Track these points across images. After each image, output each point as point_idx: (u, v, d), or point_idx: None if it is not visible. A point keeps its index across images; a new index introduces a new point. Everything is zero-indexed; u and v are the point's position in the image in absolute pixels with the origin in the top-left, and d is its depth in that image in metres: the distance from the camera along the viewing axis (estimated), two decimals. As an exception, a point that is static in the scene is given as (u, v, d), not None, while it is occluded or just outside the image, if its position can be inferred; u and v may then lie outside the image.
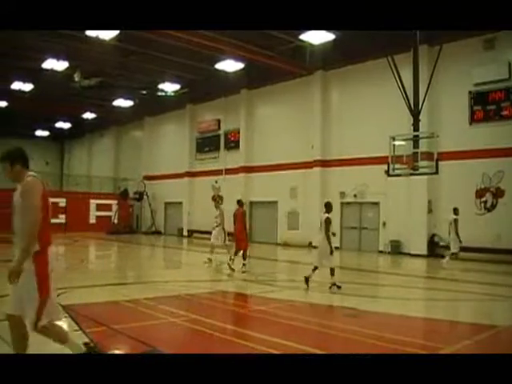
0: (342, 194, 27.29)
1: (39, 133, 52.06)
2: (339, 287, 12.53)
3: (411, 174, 18.29)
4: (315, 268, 12.89)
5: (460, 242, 17.44)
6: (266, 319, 9.31)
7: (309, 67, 28.01)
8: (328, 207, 13.14)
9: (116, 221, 40.68)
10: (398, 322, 9.59)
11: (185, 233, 38.00)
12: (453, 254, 17.84)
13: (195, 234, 36.80)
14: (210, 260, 18.21)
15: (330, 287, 12.58)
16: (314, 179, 28.50)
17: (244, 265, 16.36)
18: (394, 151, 17.46)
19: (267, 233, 31.70)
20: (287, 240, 29.95)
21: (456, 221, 17.59)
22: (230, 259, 16.44)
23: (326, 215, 12.92)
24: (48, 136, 53.59)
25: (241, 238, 16.73)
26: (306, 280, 12.76)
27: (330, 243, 12.70)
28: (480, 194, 21.98)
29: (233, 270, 15.99)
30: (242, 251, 16.67)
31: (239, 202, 18.12)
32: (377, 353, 6.63)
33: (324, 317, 10.09)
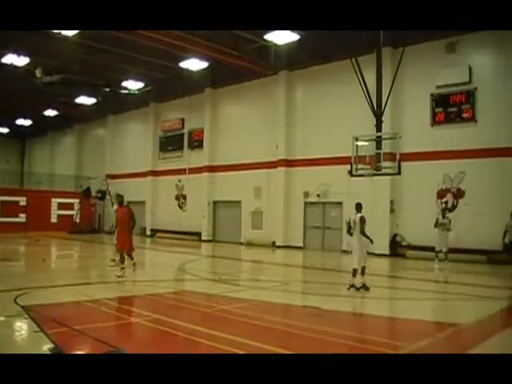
0: (306, 194, 27.42)
1: (-2, 129, 51.08)
2: (368, 289, 12.44)
3: (374, 175, 18.40)
4: (355, 271, 12.58)
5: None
6: (230, 319, 9.29)
7: (274, 67, 28.05)
8: (359, 207, 13.22)
9: (78, 220, 40.14)
10: (360, 321, 9.68)
11: (148, 232, 37.71)
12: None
13: (158, 234, 36.57)
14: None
15: (359, 289, 12.43)
16: (278, 179, 28.58)
17: (122, 268, 14.45)
18: (357, 152, 17.56)
19: (231, 232, 31.67)
20: (251, 239, 29.97)
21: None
22: (112, 260, 15.49)
23: (360, 214, 12.96)
24: (8, 133, 52.51)
25: (120, 238, 15.02)
26: (354, 287, 12.50)
27: (368, 238, 12.86)
28: (441, 194, 22.35)
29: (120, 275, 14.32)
30: (124, 252, 14.90)
31: (120, 201, 15.97)
32: (341, 351, 6.68)
33: (288, 316, 10.13)
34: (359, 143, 17.74)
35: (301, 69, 28.02)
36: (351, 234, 13.05)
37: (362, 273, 12.57)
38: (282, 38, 22.87)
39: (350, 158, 17.86)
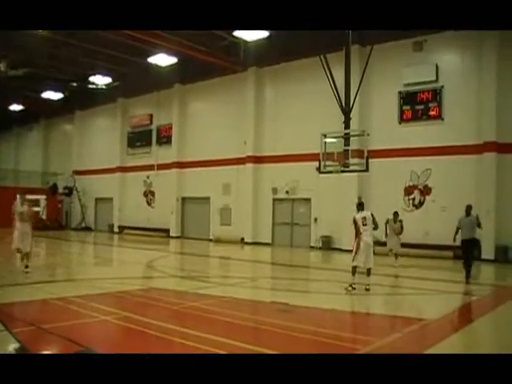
0: (274, 191, 27.50)
1: (-40, 124, 49.96)
2: (368, 289, 12.16)
3: (342, 171, 18.53)
4: (356, 268, 12.34)
5: None
6: (199, 315, 9.28)
7: (243, 64, 28.05)
8: (362, 206, 13.16)
9: (44, 216, 39.62)
10: (329, 317, 9.75)
11: (115, 229, 37.43)
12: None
13: (126, 230, 36.31)
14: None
15: (367, 289, 12.21)
16: (246, 175, 28.60)
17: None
18: (325, 148, 17.65)
19: (199, 229, 31.61)
20: (219, 236, 29.95)
21: None
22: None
23: (368, 212, 12.94)
24: (-29, 127, 51.50)
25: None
26: (352, 286, 12.12)
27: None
28: (408, 191, 22.65)
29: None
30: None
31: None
32: (310, 347, 6.72)
33: (257, 312, 10.16)
34: (327, 140, 17.84)
35: (270, 66, 28.05)
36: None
37: (368, 273, 12.40)
38: (251, 34, 22.87)
39: (318, 154, 17.95)
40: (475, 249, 15.14)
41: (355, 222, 12.66)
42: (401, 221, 17.97)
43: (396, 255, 17.75)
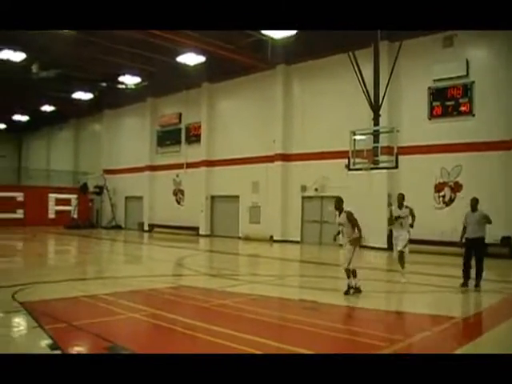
0: (303, 188, 27.43)
1: (-5, 125, 50.89)
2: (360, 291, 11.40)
3: (371, 169, 18.44)
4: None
5: None
6: (227, 313, 9.31)
7: (271, 61, 27.99)
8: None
9: (75, 215, 40.13)
10: (357, 315, 9.70)
11: (145, 227, 37.71)
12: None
13: (156, 229, 36.59)
14: None
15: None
16: (275, 173, 28.57)
17: None
18: (354, 146, 17.58)
19: (229, 227, 31.68)
20: (248, 234, 30.00)
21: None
22: None
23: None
24: (5, 129, 52.30)
25: None
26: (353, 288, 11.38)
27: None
28: (439, 188, 22.40)
29: None
30: None
31: None
32: (337, 345, 6.70)
33: (285, 310, 10.13)
34: (357, 137, 17.76)
35: (298, 63, 28.00)
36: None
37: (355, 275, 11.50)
38: (278, 32, 22.79)
39: (347, 152, 17.87)
40: (480, 249, 12.64)
41: (356, 220, 11.57)
42: (408, 207, 13.45)
43: (402, 261, 13.68)
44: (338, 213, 11.63)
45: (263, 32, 22.90)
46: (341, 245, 12.03)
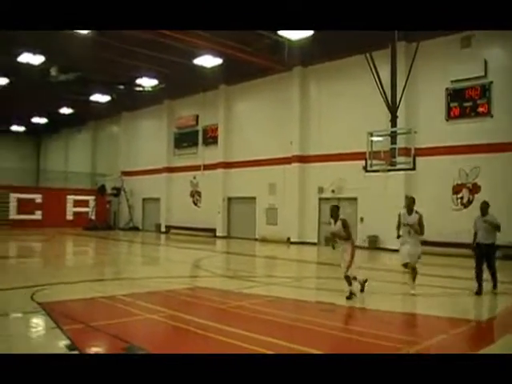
0: (320, 190, 27.38)
1: (15, 128, 51.17)
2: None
3: (389, 170, 18.36)
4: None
5: None
6: (244, 315, 9.32)
7: (287, 63, 27.98)
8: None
9: (93, 217, 40.41)
10: (374, 317, 9.65)
11: (163, 229, 37.87)
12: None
13: (173, 230, 36.71)
14: None
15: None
16: (292, 175, 28.55)
17: None
18: (371, 147, 17.52)
19: (245, 228, 31.71)
20: (265, 236, 29.99)
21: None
22: None
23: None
24: (24, 131, 52.80)
25: None
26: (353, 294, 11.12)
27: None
28: (457, 189, 22.22)
29: None
30: None
31: None
32: (355, 347, 6.68)
33: (302, 312, 10.10)
34: (374, 138, 17.69)
35: (315, 64, 27.98)
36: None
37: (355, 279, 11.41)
38: (295, 33, 22.77)
39: (364, 153, 17.80)
40: (491, 256, 12.04)
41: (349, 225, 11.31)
42: (418, 212, 11.94)
43: (414, 272, 11.98)
44: (333, 221, 11.28)
45: (280, 34, 22.88)
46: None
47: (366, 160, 17.71)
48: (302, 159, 28.24)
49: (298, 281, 13.93)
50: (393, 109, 18.59)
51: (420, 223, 11.57)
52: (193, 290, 12.42)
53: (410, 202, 11.93)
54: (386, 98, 18.82)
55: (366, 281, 11.65)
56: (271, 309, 9.81)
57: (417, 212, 11.80)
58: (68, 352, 6.50)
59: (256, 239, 30.53)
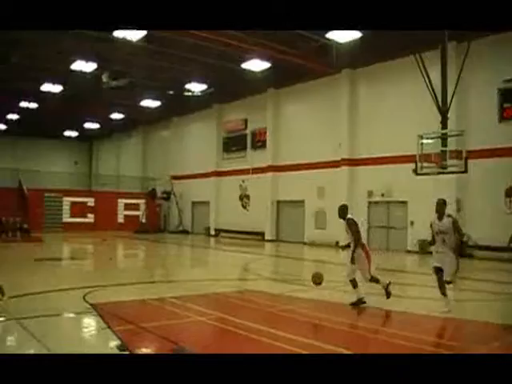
0: (370, 193, 27.14)
1: (68, 133, 52.59)
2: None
3: (439, 173, 18.09)
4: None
5: None
6: (293, 318, 9.30)
7: (336, 66, 27.83)
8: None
9: (144, 220, 41.01)
10: (423, 322, 9.50)
11: (212, 232, 38.15)
12: None
13: (222, 233, 36.94)
14: None
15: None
16: (341, 178, 28.39)
17: None
18: (421, 150, 17.31)
19: (294, 232, 31.68)
20: (314, 239, 29.88)
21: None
22: None
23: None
24: (77, 136, 54.09)
25: None
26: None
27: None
28: (510, 192, 21.66)
29: None
30: None
31: None
32: (400, 353, 6.59)
33: (350, 316, 10.03)
34: (424, 141, 17.48)
35: (363, 67, 27.77)
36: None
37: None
38: (343, 36, 22.66)
39: (414, 156, 17.60)
40: None
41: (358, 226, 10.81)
42: (451, 216, 10.42)
43: (444, 286, 10.19)
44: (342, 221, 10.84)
45: (328, 36, 22.81)
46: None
47: (416, 163, 17.50)
48: (351, 162, 28.05)
49: (346, 285, 13.78)
50: (443, 110, 18.34)
51: (455, 227, 9.95)
52: (241, 292, 12.47)
53: (441, 206, 10.30)
54: (437, 99, 18.56)
55: (389, 283, 11.14)
56: (318, 312, 9.78)
57: (449, 215, 10.33)
58: (119, 352, 6.62)
59: (304, 243, 30.44)
